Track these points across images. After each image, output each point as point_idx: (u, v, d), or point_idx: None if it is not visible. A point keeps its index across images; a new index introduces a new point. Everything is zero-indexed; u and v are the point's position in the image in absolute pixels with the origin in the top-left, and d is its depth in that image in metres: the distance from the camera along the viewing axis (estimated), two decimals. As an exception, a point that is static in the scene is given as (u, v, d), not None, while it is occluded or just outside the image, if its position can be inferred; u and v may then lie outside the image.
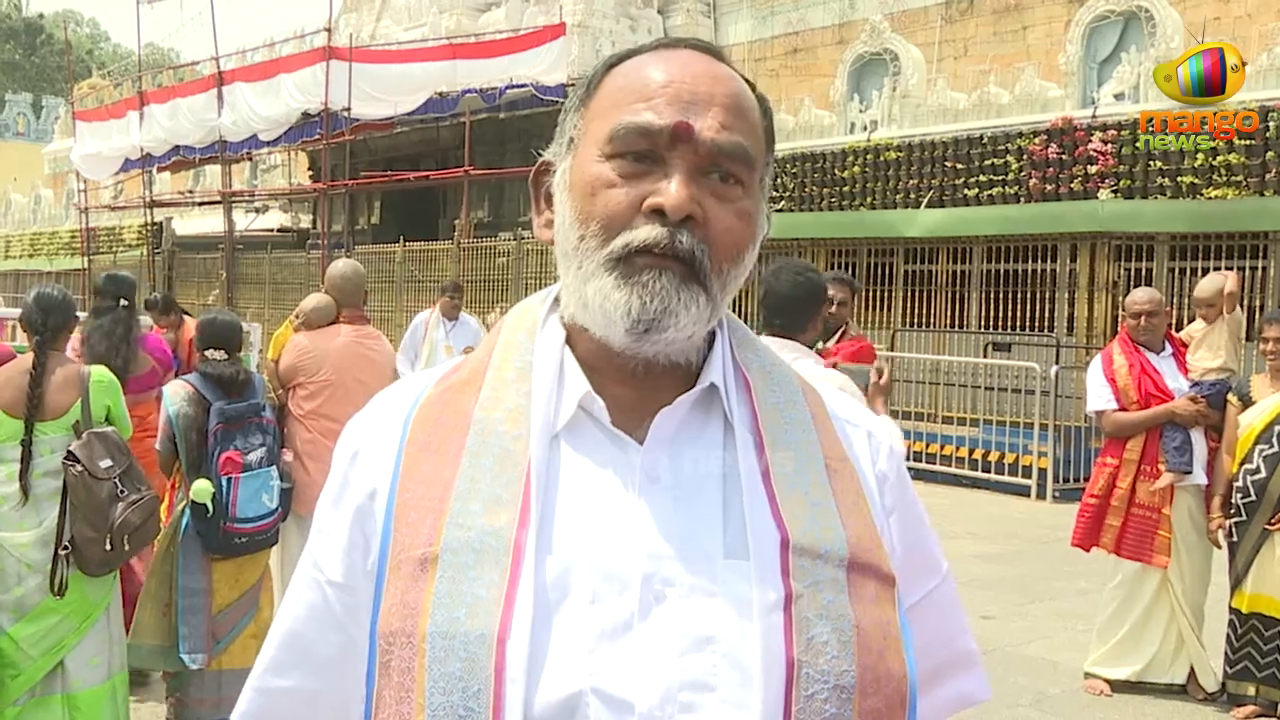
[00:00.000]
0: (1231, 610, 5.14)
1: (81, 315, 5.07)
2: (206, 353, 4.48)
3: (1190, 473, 5.27)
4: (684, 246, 0.98)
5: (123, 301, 5.38)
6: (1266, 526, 4.94)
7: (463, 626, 0.92)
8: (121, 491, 3.83)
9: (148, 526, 3.93)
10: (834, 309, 5.53)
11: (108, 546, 3.79)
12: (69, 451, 3.81)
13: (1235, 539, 5.09)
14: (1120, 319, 5.73)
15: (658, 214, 0.98)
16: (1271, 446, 5.01)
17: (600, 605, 0.94)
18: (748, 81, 1.08)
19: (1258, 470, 5.01)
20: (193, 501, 4.27)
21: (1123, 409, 5.38)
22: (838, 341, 5.49)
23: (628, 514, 0.98)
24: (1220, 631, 5.29)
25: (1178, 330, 6.34)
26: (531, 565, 0.94)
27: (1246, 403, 5.21)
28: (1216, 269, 11.88)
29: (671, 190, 0.98)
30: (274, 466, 4.46)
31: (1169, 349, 5.53)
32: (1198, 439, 5.31)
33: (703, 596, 0.95)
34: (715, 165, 1.00)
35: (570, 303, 1.04)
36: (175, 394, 4.41)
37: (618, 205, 0.99)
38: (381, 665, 0.96)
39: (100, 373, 4.09)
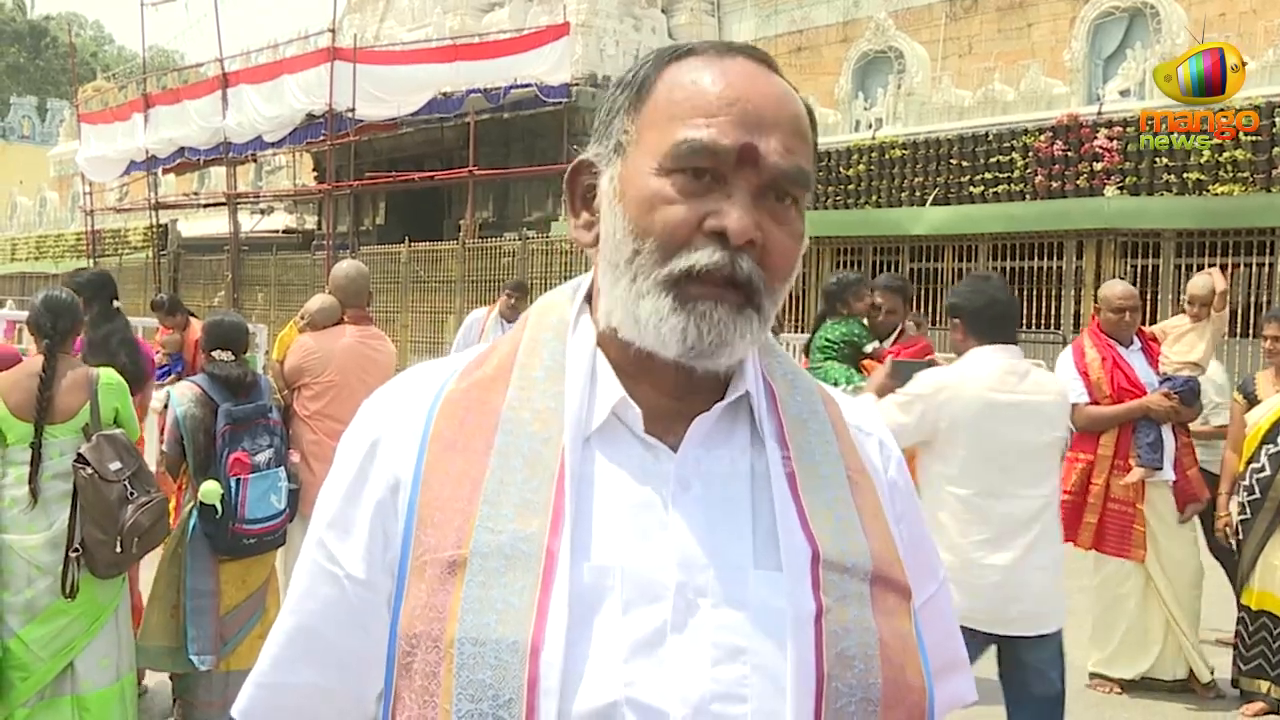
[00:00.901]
0: (1241, 607, 5.09)
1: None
2: (214, 354, 4.47)
3: (1161, 469, 5.17)
4: (743, 273, 0.97)
5: (115, 302, 5.13)
6: None
7: (494, 634, 0.91)
8: (131, 494, 3.83)
9: (157, 528, 3.94)
10: (882, 316, 5.49)
11: (117, 549, 3.79)
12: (79, 454, 3.81)
13: (1241, 536, 5.04)
14: (1093, 312, 5.60)
15: (718, 236, 0.97)
16: (1277, 445, 4.95)
17: (634, 614, 0.94)
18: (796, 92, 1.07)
19: (1263, 469, 4.96)
20: (201, 503, 4.27)
21: (1094, 403, 5.24)
22: (894, 343, 5.46)
23: (660, 522, 0.98)
24: (1219, 625, 5.27)
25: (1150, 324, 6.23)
26: (566, 573, 0.93)
27: (1251, 401, 5.15)
28: (1223, 266, 11.87)
29: (735, 215, 0.97)
30: (282, 468, 4.46)
31: (1138, 343, 5.40)
32: (1167, 436, 5.21)
33: (734, 607, 0.95)
34: (775, 187, 1.00)
35: (615, 312, 1.02)
36: (183, 395, 4.40)
37: (678, 223, 0.98)
38: (401, 666, 0.95)
39: (108, 375, 4.09)
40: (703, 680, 0.92)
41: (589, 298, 1.10)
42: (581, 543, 0.95)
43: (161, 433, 6.61)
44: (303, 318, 5.37)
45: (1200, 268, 11.06)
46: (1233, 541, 5.15)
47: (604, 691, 0.91)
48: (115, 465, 3.83)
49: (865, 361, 5.31)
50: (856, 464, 1.07)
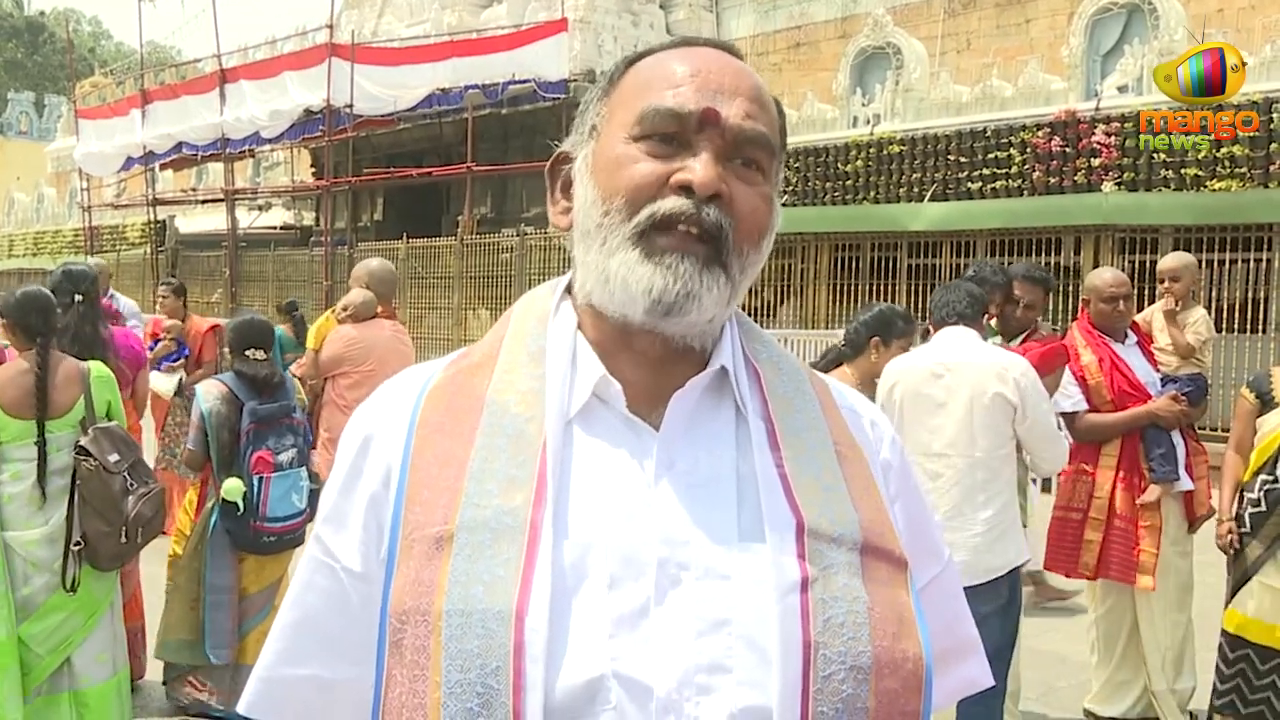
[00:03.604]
0: (1222, 632, 4.52)
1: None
2: (246, 353, 4.51)
3: (1179, 479, 4.74)
4: (710, 220, 0.99)
5: (76, 297, 4.85)
6: None
7: (480, 604, 0.92)
8: (131, 485, 3.85)
9: (158, 519, 3.96)
10: (1020, 311, 4.94)
11: (122, 539, 3.81)
12: (81, 447, 3.81)
13: (1237, 551, 4.48)
14: (1082, 305, 5.08)
15: (684, 189, 0.99)
16: None
17: (617, 589, 0.95)
18: None
19: (1276, 480, 4.36)
20: (223, 499, 4.30)
21: (1094, 409, 4.76)
22: (1024, 341, 4.87)
23: (643, 499, 0.99)
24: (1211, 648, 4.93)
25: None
26: (549, 544, 0.94)
27: (1265, 401, 4.53)
28: (1221, 261, 11.88)
29: (699, 168, 0.99)
30: (304, 468, 4.49)
31: (1132, 337, 4.94)
32: (1178, 441, 4.78)
33: (718, 580, 0.96)
34: (739, 151, 1.03)
35: (588, 280, 1.05)
36: (209, 392, 4.46)
37: (645, 178, 1.01)
38: (393, 644, 0.96)
39: (99, 368, 4.08)
40: (687, 652, 0.93)
41: (569, 289, 1.12)
42: (564, 519, 0.97)
43: (161, 421, 6.59)
44: (345, 309, 5.53)
45: (1199, 263, 11.06)
46: (1230, 553, 4.65)
47: (590, 665, 0.92)
48: (114, 457, 3.84)
49: None
50: (845, 439, 1.08)
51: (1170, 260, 5.68)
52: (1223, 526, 4.67)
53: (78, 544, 3.77)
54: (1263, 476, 4.42)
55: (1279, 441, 4.39)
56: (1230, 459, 4.69)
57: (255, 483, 4.32)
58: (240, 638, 4.44)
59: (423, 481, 1.00)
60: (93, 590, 3.90)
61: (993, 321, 4.89)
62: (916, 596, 1.03)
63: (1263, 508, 4.40)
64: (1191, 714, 4.89)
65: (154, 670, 5.01)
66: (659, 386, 1.04)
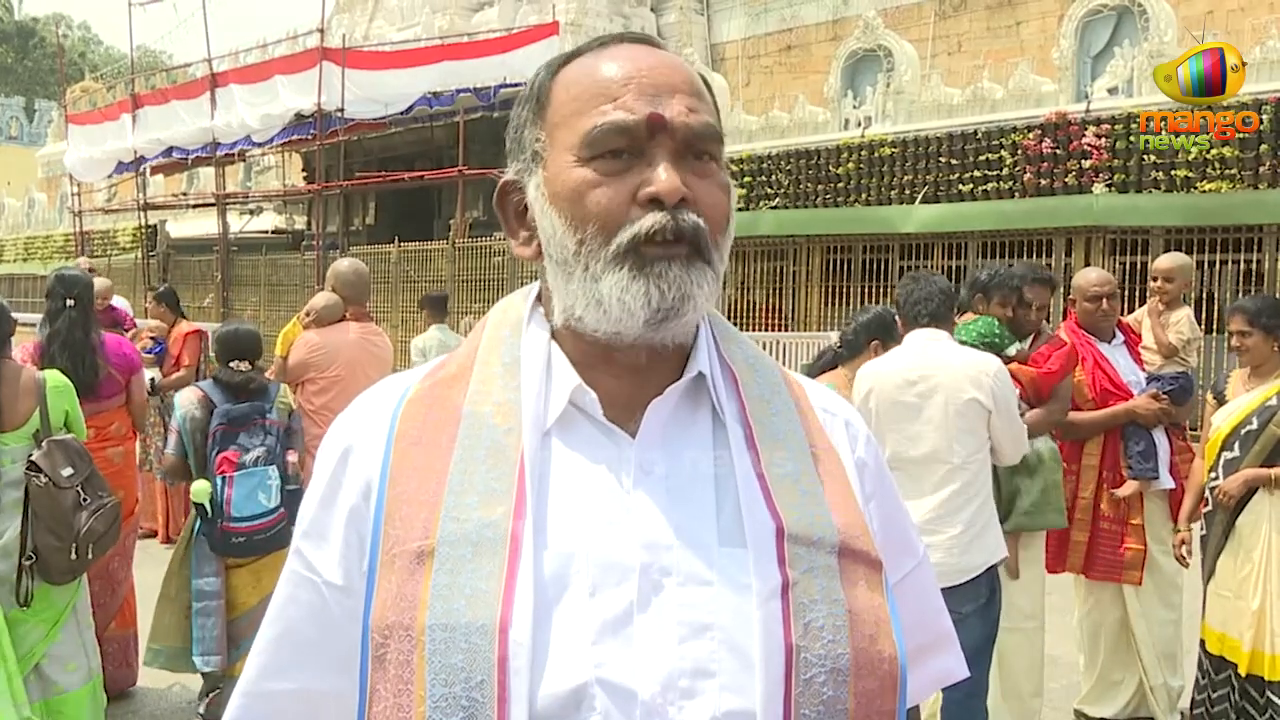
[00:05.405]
0: (1200, 641, 4.40)
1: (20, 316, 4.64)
2: (230, 364, 4.50)
3: (1157, 478, 4.71)
4: (687, 223, 1.00)
5: (68, 302, 4.75)
6: (1217, 494, 4.24)
7: (463, 618, 0.92)
8: (84, 500, 3.75)
9: (110, 533, 3.85)
10: (1034, 313, 4.73)
11: (73, 555, 3.71)
12: (31, 462, 3.70)
13: (1202, 556, 4.39)
14: (1069, 306, 5.07)
15: (653, 203, 1.00)
16: (1233, 452, 4.26)
17: (600, 596, 0.95)
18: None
19: (1219, 479, 4.27)
20: (194, 502, 4.29)
21: (1075, 408, 4.71)
22: (1032, 344, 4.67)
23: (623, 506, 1.00)
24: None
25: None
26: (530, 556, 0.95)
27: (1222, 401, 4.52)
28: (1211, 263, 11.91)
29: (662, 178, 1.00)
30: (273, 466, 4.45)
31: (1120, 337, 4.93)
32: (1161, 440, 4.74)
33: (699, 585, 0.97)
34: (690, 148, 1.03)
35: (577, 305, 1.03)
36: (186, 399, 4.45)
37: (611, 201, 1.01)
38: (375, 659, 0.96)
39: (55, 377, 3.98)
40: (670, 657, 0.94)
41: (540, 298, 1.13)
42: (545, 530, 0.97)
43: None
44: (308, 314, 5.46)
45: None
46: (1189, 563, 4.61)
47: (574, 673, 0.92)
48: (67, 471, 3.73)
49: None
50: (822, 442, 1.09)
51: (1165, 260, 5.64)
52: (1177, 537, 4.61)
53: (29, 558, 3.68)
54: (1211, 475, 4.35)
55: (1223, 436, 4.33)
56: (1197, 467, 4.62)
57: (219, 483, 4.30)
58: (242, 653, 4.40)
59: (401, 496, 1.00)
60: (54, 600, 3.81)
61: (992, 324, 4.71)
62: (891, 596, 1.04)
63: (1210, 506, 4.31)
64: (1183, 713, 4.88)
65: (150, 677, 4.99)
66: (637, 394, 1.04)
